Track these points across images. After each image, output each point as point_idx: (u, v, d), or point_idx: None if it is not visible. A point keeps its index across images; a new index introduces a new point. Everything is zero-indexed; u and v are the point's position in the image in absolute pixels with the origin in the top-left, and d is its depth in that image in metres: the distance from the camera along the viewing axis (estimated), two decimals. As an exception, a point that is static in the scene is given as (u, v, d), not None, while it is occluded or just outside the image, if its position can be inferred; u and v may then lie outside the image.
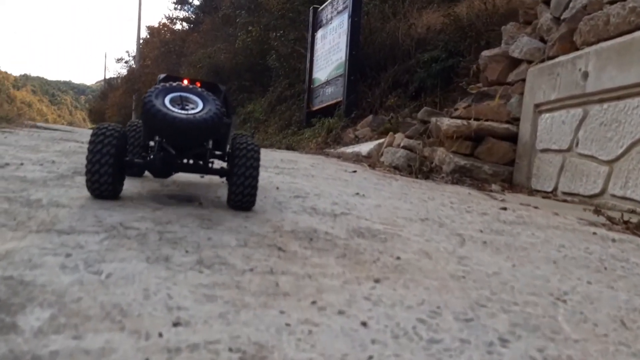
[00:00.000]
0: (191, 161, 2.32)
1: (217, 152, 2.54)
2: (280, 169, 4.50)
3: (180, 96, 2.06)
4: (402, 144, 5.94)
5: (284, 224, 2.30)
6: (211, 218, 2.19)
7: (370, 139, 9.37)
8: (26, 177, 2.77)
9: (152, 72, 29.55)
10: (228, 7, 20.71)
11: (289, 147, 11.33)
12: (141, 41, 38.32)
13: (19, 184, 2.52)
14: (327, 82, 11.91)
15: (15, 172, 2.87)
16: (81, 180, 2.58)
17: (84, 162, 2.11)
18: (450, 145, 5.35)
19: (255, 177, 2.22)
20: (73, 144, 4.93)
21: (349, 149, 8.08)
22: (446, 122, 5.50)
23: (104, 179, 2.05)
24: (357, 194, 3.48)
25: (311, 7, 13.11)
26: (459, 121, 5.46)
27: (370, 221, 2.63)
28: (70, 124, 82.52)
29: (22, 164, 3.20)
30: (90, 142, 2.05)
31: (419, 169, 5.39)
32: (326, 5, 12.30)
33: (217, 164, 2.60)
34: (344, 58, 11.05)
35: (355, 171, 5.02)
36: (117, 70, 41.47)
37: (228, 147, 2.52)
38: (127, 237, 1.80)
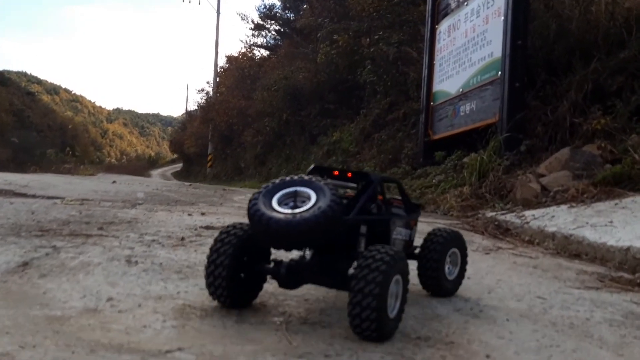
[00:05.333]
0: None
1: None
2: None
3: (296, 191, 1.54)
4: None
5: None
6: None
7: (582, 194, 4.62)
8: None
9: (226, 99, 26.20)
10: (308, 17, 16.66)
11: (408, 200, 6.74)
12: (221, 70, 35.17)
13: None
14: (463, 95, 7.29)
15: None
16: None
17: None
18: None
19: (375, 296, 1.36)
20: None
21: (587, 232, 3.40)
22: None
23: (220, 291, 1.62)
24: None
25: (429, -10, 8.59)
26: None
27: None
28: (157, 154, 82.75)
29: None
30: (210, 248, 1.68)
31: None
32: (457, -19, 7.77)
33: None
34: (499, 53, 6.40)
35: None
36: (197, 100, 38.76)
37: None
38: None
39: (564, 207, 4.42)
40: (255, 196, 1.53)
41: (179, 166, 52.13)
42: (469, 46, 7.24)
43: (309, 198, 1.52)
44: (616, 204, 3.97)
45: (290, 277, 1.59)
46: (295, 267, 1.60)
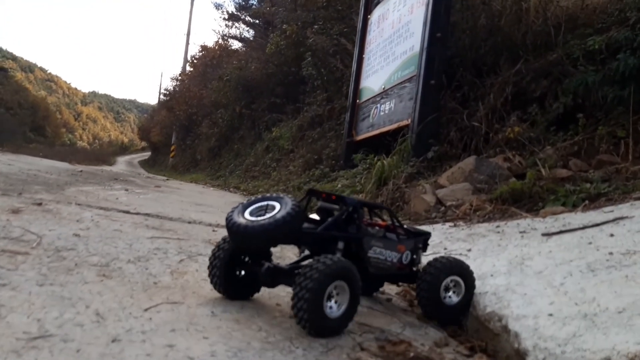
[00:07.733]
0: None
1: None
2: None
3: (267, 205, 1.84)
4: None
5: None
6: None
7: (475, 211, 3.86)
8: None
9: (188, 88, 25.10)
10: (266, 6, 15.78)
11: (306, 205, 5.93)
12: (192, 59, 33.69)
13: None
14: (385, 93, 6.52)
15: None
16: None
17: None
18: None
19: (307, 300, 1.58)
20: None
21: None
22: None
23: (218, 287, 1.93)
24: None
25: (365, -23, 7.80)
26: None
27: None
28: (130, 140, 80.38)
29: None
30: (212, 251, 1.97)
31: None
32: (390, -33, 6.98)
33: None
34: (418, 47, 5.65)
35: None
36: (168, 89, 36.91)
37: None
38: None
39: (447, 225, 3.67)
40: (234, 207, 1.84)
41: (148, 154, 50.58)
42: (394, 38, 6.47)
43: (274, 209, 1.76)
44: (497, 226, 3.21)
45: (268, 277, 1.85)
46: (272, 270, 1.85)
